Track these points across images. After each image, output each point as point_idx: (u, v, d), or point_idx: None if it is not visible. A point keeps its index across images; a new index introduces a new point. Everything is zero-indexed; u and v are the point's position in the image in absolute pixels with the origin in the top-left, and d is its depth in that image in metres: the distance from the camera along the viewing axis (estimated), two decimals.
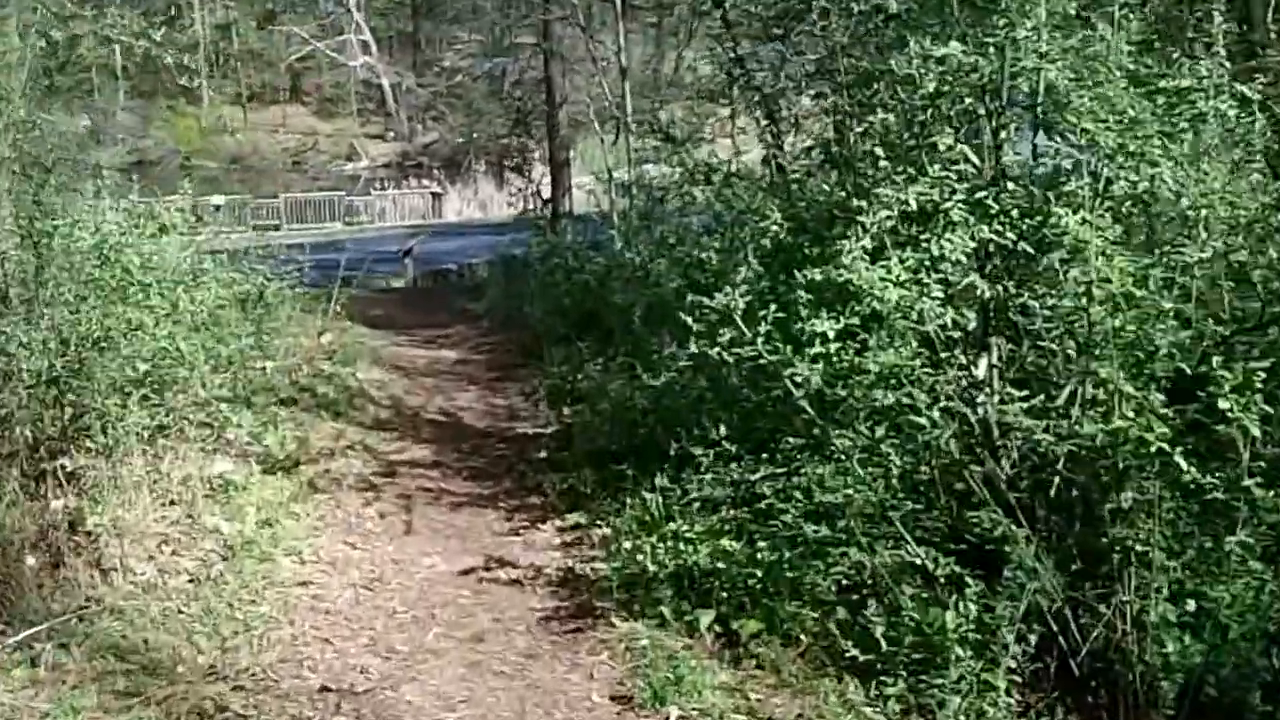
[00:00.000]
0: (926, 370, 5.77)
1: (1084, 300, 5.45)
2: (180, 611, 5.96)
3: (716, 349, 5.80)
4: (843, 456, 6.08)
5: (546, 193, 21.21)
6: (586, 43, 15.49)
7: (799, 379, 5.62)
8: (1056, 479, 5.73)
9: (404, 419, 10.81)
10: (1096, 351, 5.41)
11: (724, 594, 6.36)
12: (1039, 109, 6.12)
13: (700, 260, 9.12)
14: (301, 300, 13.73)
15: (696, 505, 7.11)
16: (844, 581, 6.25)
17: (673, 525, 6.88)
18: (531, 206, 19.02)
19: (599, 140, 16.98)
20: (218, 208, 35.58)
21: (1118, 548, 5.37)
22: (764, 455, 6.91)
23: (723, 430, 7.15)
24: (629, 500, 7.62)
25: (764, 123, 14.09)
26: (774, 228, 7.24)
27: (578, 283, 13.06)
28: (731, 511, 7.05)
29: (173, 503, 6.98)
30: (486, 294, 15.47)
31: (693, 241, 10.01)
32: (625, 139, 15.09)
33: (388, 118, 58.91)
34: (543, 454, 9.55)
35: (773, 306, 5.81)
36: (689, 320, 5.94)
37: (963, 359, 6.09)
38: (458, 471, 9.20)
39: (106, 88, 60.70)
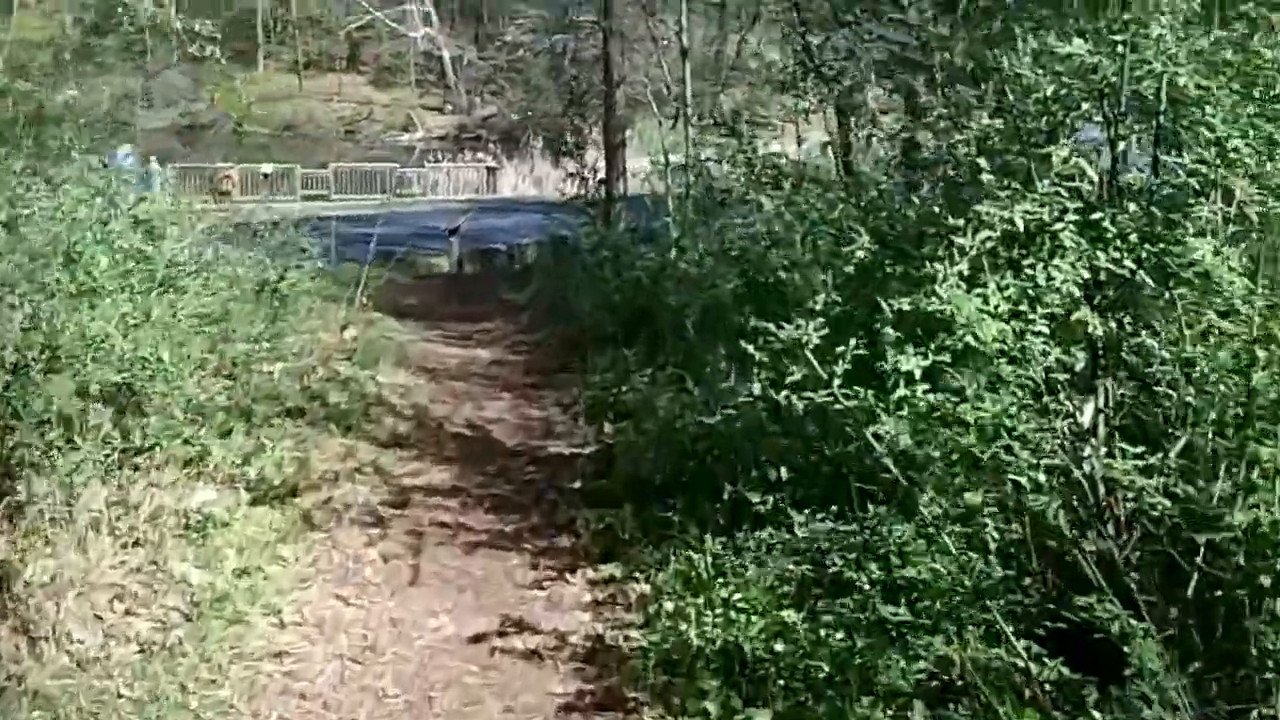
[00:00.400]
0: (1029, 419, 4.87)
1: (1212, 344, 4.68)
2: (120, 695, 4.88)
3: (785, 393, 4.96)
4: (929, 525, 5.13)
5: (601, 173, 20.10)
6: (646, 21, 14.32)
7: (883, 434, 4.80)
8: (1195, 575, 4.64)
9: (425, 433, 9.59)
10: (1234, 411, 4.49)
11: (781, 683, 5.30)
12: (1165, 118, 5.17)
13: (768, 282, 8.18)
14: (327, 286, 12.74)
15: (752, 563, 6.10)
16: (927, 675, 5.17)
17: (724, 589, 5.95)
18: (583, 190, 17.82)
19: (656, 122, 15.82)
20: (266, 175, 34.97)
21: (1271, 663, 4.32)
22: (833, 508, 5.88)
23: (785, 473, 6.32)
24: (674, 551, 6.60)
25: (836, 119, 12.99)
26: (860, 252, 6.05)
27: (628, 279, 11.97)
28: (793, 570, 6.00)
29: (137, 543, 5.90)
30: (531, 282, 14.47)
31: (758, 255, 8.83)
32: (684, 122, 13.93)
33: (446, 90, 58.18)
34: (578, 483, 8.34)
35: (852, 341, 5.00)
36: (751, 348, 5.19)
37: (1067, 405, 5.06)
38: (479, 501, 8.01)
39: (160, 49, 60.71)
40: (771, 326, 5.16)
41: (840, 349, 4.93)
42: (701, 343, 8.89)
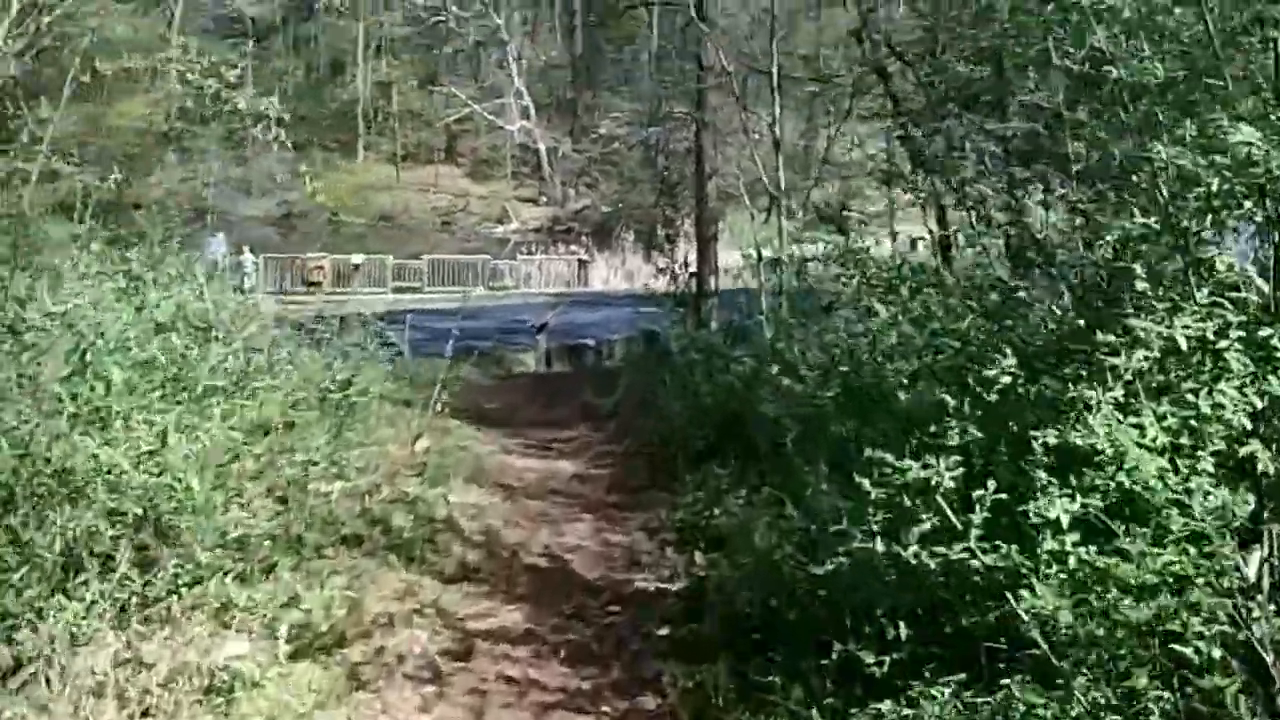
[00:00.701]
0: (1198, 578, 4.20)
1: None
2: None
3: (913, 549, 4.46)
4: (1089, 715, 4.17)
5: (692, 267, 19.35)
6: (740, 113, 13.59)
7: (1032, 605, 4.16)
8: None
9: (497, 564, 8.51)
10: None
11: None
12: None
13: (878, 396, 7.20)
14: (402, 389, 11.97)
15: None
16: None
17: None
18: (674, 284, 17.04)
19: (749, 215, 15.02)
20: (357, 266, 34.85)
21: None
22: (965, 674, 4.85)
23: (904, 629, 5.28)
24: None
25: (937, 214, 12.16)
26: (1004, 377, 5.08)
27: (720, 384, 11.07)
28: None
29: (147, 713, 5.00)
30: (619, 384, 13.53)
31: (868, 366, 7.83)
32: (778, 216, 13.09)
33: (541, 182, 58.45)
34: (665, 628, 7.26)
35: (991, 485, 4.45)
36: (867, 484, 4.76)
37: (1234, 557, 4.27)
38: (554, 650, 6.95)
39: (260, 137, 61.29)
40: (890, 458, 4.67)
41: (978, 493, 4.41)
42: (801, 458, 7.91)
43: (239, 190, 58.81)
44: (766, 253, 13.40)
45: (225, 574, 5.78)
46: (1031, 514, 4.30)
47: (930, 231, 13.18)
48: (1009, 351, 5.16)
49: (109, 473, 5.11)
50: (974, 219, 10.45)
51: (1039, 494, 4.33)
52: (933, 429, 5.13)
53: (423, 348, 21.55)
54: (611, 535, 9.30)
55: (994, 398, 5.24)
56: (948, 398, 5.40)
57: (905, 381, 7.03)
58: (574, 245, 43.08)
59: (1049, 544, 4.27)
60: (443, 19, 55.87)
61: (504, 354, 20.69)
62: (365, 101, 60.51)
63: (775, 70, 12.77)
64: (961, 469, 4.61)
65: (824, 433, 7.90)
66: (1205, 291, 4.68)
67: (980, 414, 5.30)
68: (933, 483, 4.45)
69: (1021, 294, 6.60)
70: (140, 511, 5.37)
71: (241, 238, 54.43)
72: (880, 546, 4.78)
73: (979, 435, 5.10)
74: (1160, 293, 5.00)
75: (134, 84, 59.90)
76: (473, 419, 11.89)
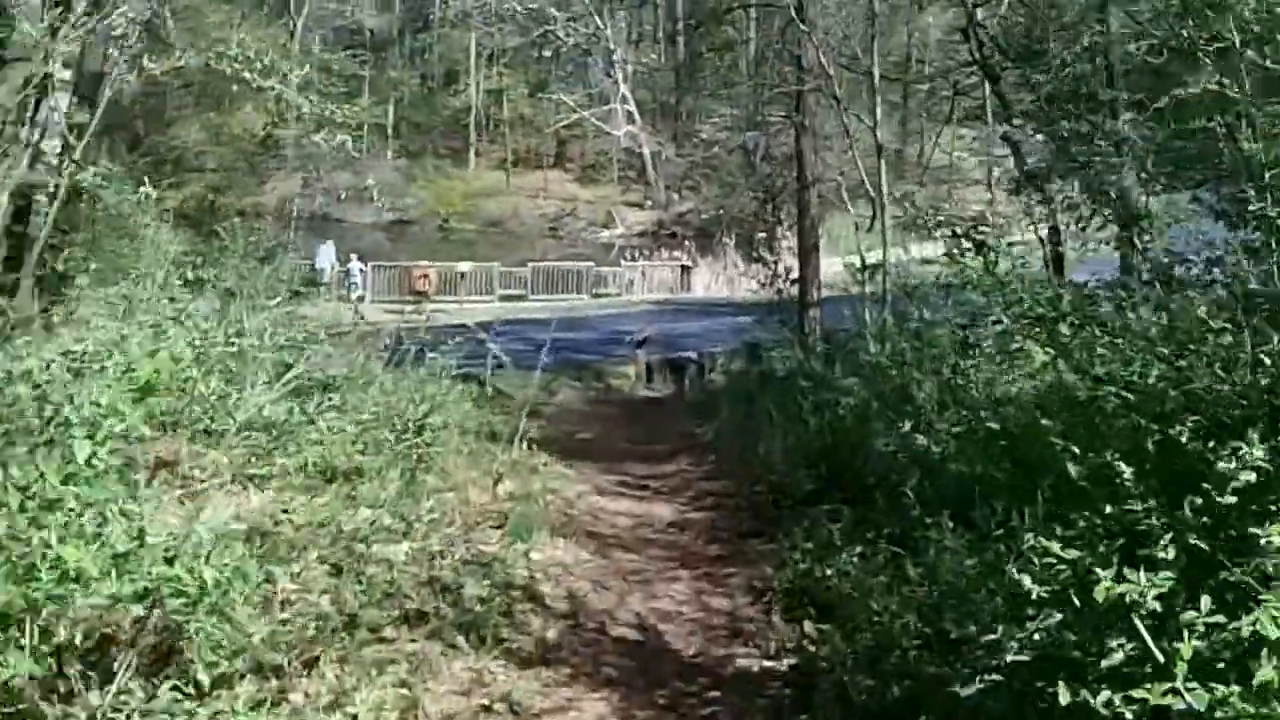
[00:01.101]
0: None
1: None
2: None
3: (1103, 696, 3.42)
4: None
5: (793, 273, 19.06)
6: (840, 115, 13.39)
7: None
8: None
9: (581, 639, 7.08)
10: None
11: None
12: None
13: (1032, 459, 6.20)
14: (490, 413, 11.66)
15: None
16: None
17: None
18: (779, 290, 16.77)
19: (852, 223, 14.78)
20: (463, 274, 35.15)
21: None
22: None
23: None
24: None
25: (1050, 226, 11.75)
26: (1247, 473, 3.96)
27: (829, 416, 9.98)
28: None
29: None
30: (720, 409, 12.82)
31: (1024, 425, 6.74)
32: (880, 221, 12.86)
33: (646, 186, 58.56)
34: None
35: (1205, 601, 3.54)
36: (1028, 581, 3.92)
37: None
38: None
39: (375, 146, 62.75)
40: (1057, 548, 3.93)
41: (1186, 615, 3.50)
42: (922, 513, 6.96)
43: (353, 197, 59.88)
44: (871, 258, 13.15)
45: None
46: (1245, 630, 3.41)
47: (1041, 240, 12.62)
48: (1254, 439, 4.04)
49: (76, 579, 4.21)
50: (1110, 227, 9.77)
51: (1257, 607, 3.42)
52: (1108, 510, 4.23)
53: (523, 360, 21.62)
54: (711, 598, 8.07)
55: (1230, 498, 3.98)
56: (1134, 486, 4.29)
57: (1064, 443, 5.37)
58: (677, 251, 42.96)
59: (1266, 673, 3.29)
60: (550, 28, 56.24)
61: (603, 368, 20.72)
62: (477, 109, 61.24)
63: (875, 71, 12.59)
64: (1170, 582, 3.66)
65: (945, 478, 7.28)
66: None
67: (1206, 519, 4.05)
68: (1129, 599, 3.56)
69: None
70: (142, 612, 4.51)
71: (354, 244, 55.35)
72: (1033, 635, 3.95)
73: (1201, 546, 3.94)
74: None
75: (256, 94, 61.44)
76: (564, 452, 10.94)
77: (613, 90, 57.83)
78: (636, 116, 57.80)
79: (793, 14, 13.20)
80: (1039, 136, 12.35)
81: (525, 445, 9.83)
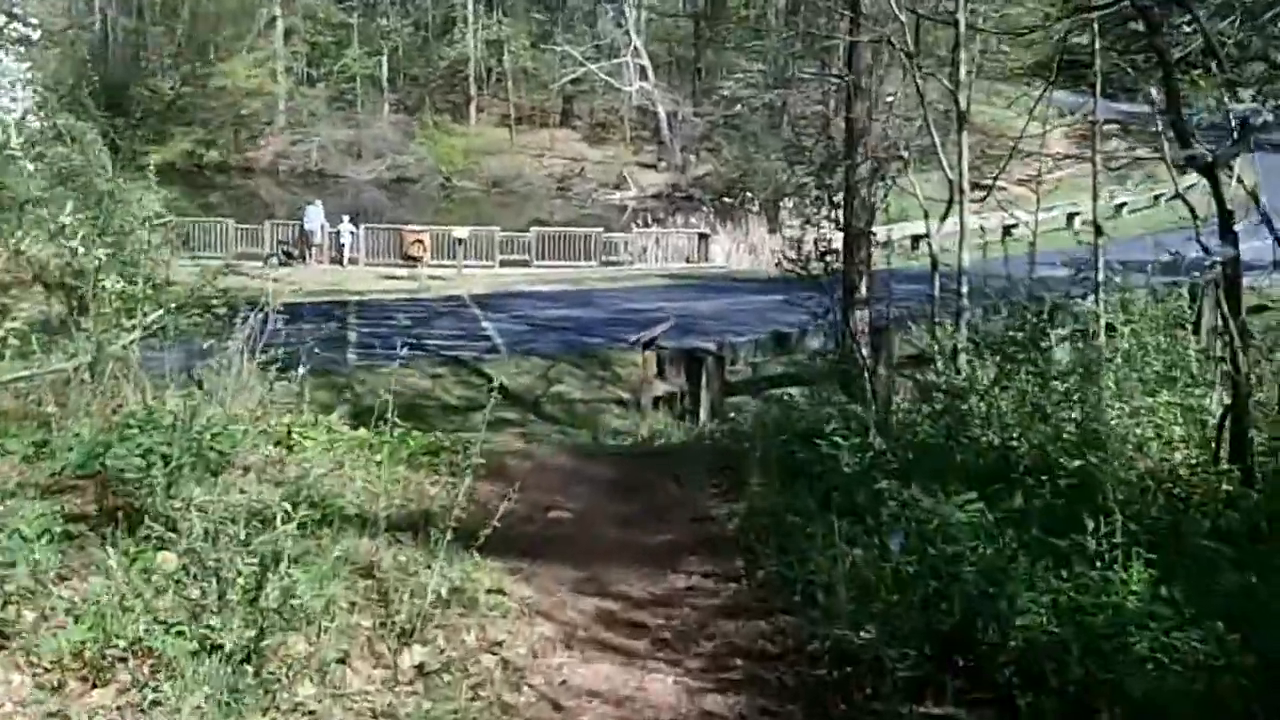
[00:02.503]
0: None
1: None
2: None
3: None
4: None
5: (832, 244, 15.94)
6: (912, 73, 10.44)
7: None
8: None
9: None
10: None
11: None
12: None
13: None
14: (429, 469, 7.68)
15: None
16: None
17: None
18: (812, 265, 13.57)
19: (915, 197, 11.84)
20: (460, 240, 32.32)
21: None
22: None
23: None
24: None
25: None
26: None
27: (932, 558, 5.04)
28: None
29: None
30: (747, 467, 8.48)
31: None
32: (960, 207, 9.96)
33: (660, 146, 55.61)
34: None
35: None
36: None
37: None
38: None
39: (370, 99, 59.85)
40: None
41: None
42: None
43: (348, 154, 57.15)
44: (942, 251, 10.36)
45: None
46: None
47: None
48: None
49: None
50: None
51: None
52: None
53: (521, 343, 19.02)
54: None
55: None
56: None
57: None
58: (694, 217, 40.03)
59: None
60: None
61: (610, 355, 17.90)
62: (476, 61, 58.15)
63: (961, 19, 9.64)
64: None
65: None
66: None
67: None
68: None
69: None
70: None
71: (352, 203, 52.75)
72: None
73: None
74: None
75: (237, 43, 58.70)
76: (529, 550, 6.55)
77: (624, 42, 54.75)
78: (650, 71, 54.80)
79: None
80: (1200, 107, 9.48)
81: (470, 549, 5.64)
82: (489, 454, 6.96)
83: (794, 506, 6.41)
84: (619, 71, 54.56)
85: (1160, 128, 10.35)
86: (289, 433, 7.29)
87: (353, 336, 18.60)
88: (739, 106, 54.12)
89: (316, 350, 8.93)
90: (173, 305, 8.57)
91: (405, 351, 16.05)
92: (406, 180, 56.00)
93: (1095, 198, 10.61)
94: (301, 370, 8.19)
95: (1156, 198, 32.36)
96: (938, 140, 10.01)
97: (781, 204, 40.53)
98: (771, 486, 6.87)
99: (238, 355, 7.58)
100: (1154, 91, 9.74)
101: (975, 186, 12.61)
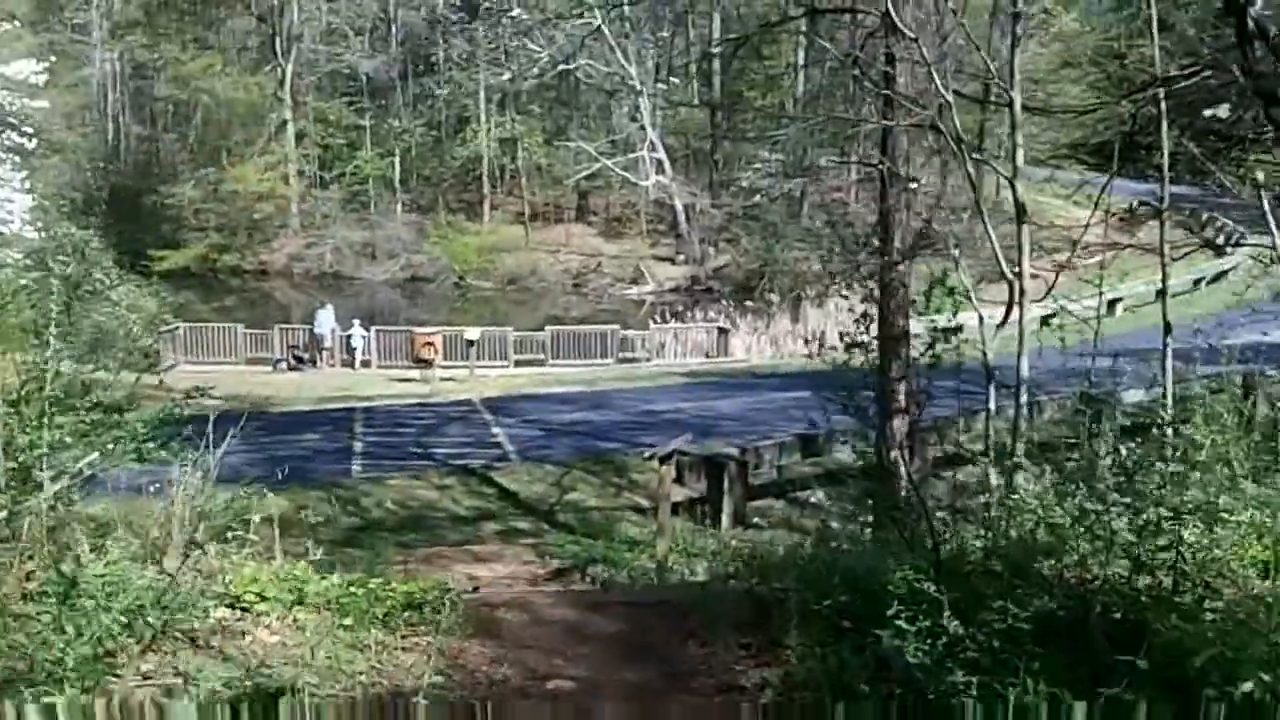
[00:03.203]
0: None
1: None
2: None
3: None
4: None
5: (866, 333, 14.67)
6: (961, 160, 9.36)
7: None
8: None
9: None
10: None
11: None
12: None
13: None
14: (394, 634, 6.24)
15: None
16: None
17: None
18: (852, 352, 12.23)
19: (959, 280, 10.64)
20: (471, 342, 31.37)
21: None
22: None
23: None
24: None
25: None
26: None
27: None
28: None
29: None
30: (783, 642, 6.90)
31: None
32: (1020, 310, 8.82)
33: (678, 240, 54.85)
34: None
35: None
36: None
37: None
38: None
39: (383, 200, 59.39)
40: None
41: None
42: None
43: (363, 255, 56.58)
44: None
45: None
46: None
47: None
48: None
49: None
50: None
51: None
52: None
53: (533, 450, 17.91)
54: None
55: None
56: None
57: None
58: (713, 311, 39.05)
59: None
60: (568, 67, 52.72)
61: (627, 462, 16.74)
62: (489, 159, 57.79)
63: (1017, 98, 8.59)
64: None
65: None
66: None
67: None
68: None
69: None
70: None
71: (367, 304, 52.08)
72: None
73: None
74: None
75: (249, 147, 58.52)
76: None
77: (639, 136, 54.26)
78: (666, 164, 54.23)
79: (888, 16, 9.17)
80: None
81: None
82: (478, 605, 5.87)
83: (840, 682, 5.19)
84: (635, 165, 54.03)
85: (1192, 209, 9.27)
86: (244, 593, 6.12)
87: (359, 446, 17.52)
88: (757, 197, 53.45)
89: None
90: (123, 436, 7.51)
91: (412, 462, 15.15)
92: (421, 280, 55.46)
93: (1165, 282, 9.44)
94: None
95: (1197, 281, 31.24)
96: (993, 234, 8.90)
97: (803, 295, 39.76)
98: (812, 649, 5.65)
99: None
100: (1259, 174, 8.64)
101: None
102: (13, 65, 23.47)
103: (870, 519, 8.49)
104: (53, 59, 62.35)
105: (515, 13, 53.66)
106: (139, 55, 59.81)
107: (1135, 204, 20.24)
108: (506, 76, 55.07)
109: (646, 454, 13.68)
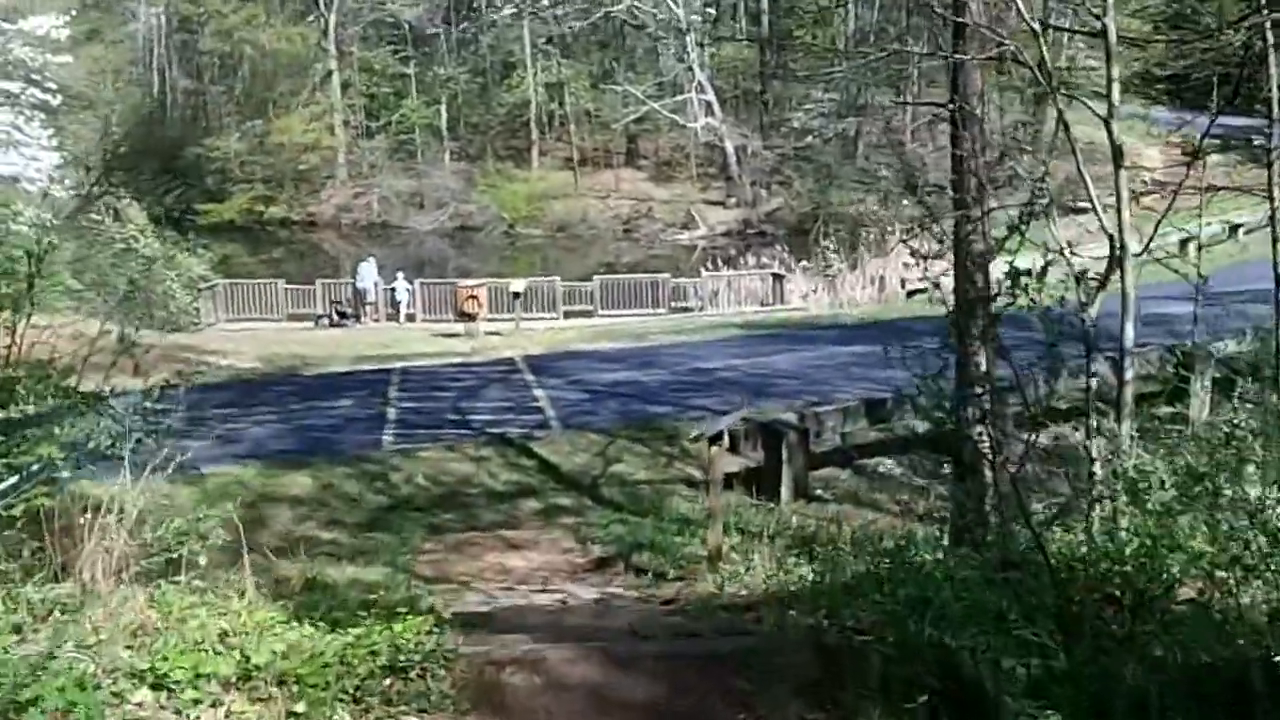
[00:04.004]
0: None
1: None
2: None
3: None
4: None
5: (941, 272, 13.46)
6: (1052, 98, 8.15)
7: None
8: None
9: None
10: None
11: None
12: None
13: None
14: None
15: None
16: None
17: None
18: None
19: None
20: (517, 294, 30.36)
21: None
22: None
23: None
24: None
25: None
26: None
27: None
28: None
29: None
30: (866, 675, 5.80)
31: None
32: (1120, 267, 7.61)
33: (729, 183, 53.57)
34: None
35: None
36: None
37: None
38: None
39: (430, 149, 58.52)
40: None
41: None
42: None
43: (411, 204, 55.80)
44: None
45: None
46: None
47: None
48: None
49: None
50: None
51: None
52: None
53: (577, 415, 16.85)
54: None
55: None
56: None
57: None
58: (766, 257, 37.79)
59: None
60: (613, 9, 51.34)
61: (677, 427, 15.69)
62: (537, 105, 56.69)
63: (1111, 26, 7.40)
64: None
65: None
66: None
67: None
68: None
69: None
70: None
71: (415, 253, 51.32)
72: None
73: None
74: None
75: (294, 98, 57.77)
76: None
77: (687, 77, 52.88)
78: (715, 106, 52.88)
79: None
80: None
81: None
82: (482, 665, 4.76)
83: None
84: (683, 108, 52.80)
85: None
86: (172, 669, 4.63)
87: (392, 413, 16.64)
88: (810, 138, 52.11)
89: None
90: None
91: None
92: (470, 229, 54.69)
93: (1277, 228, 8.19)
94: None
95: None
96: (1089, 179, 7.72)
97: (861, 239, 38.37)
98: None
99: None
100: None
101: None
102: (32, 20, 22.58)
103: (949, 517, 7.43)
104: (96, 14, 62.04)
105: None
106: (183, 9, 59.10)
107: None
108: (552, 19, 53.90)
109: (694, 433, 12.64)
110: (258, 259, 49.66)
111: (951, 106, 9.49)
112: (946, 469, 15.07)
